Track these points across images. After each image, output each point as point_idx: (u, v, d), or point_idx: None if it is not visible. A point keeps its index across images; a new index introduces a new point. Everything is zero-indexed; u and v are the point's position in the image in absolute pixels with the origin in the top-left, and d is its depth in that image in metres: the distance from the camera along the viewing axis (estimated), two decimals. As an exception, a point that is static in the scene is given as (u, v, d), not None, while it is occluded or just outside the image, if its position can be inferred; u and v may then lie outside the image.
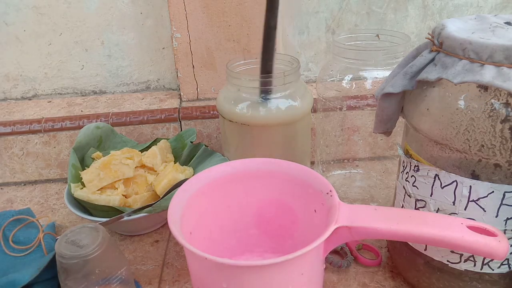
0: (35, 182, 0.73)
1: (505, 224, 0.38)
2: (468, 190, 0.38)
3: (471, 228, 0.35)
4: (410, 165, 0.43)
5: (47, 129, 0.69)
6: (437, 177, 0.40)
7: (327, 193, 0.40)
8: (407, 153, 0.44)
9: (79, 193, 0.56)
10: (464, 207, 0.39)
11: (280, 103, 0.53)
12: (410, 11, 0.75)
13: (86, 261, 0.40)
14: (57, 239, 0.45)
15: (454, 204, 0.39)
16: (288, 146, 0.56)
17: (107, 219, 0.51)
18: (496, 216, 0.38)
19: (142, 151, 0.63)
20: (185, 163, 0.63)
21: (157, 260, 0.54)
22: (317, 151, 0.67)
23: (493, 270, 0.40)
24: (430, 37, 0.39)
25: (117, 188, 0.57)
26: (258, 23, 0.67)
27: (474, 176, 0.37)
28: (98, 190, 0.56)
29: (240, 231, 0.48)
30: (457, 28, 0.38)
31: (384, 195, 0.64)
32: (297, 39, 0.76)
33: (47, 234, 0.55)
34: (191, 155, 0.63)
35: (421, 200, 0.42)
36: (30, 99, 0.78)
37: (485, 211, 0.38)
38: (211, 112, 0.69)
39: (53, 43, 0.74)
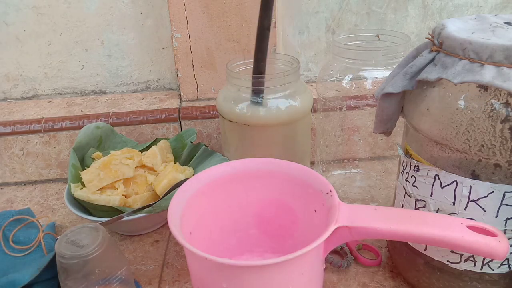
0: (35, 182, 0.73)
1: (505, 224, 0.38)
2: (468, 190, 0.38)
3: (471, 228, 0.35)
4: (410, 165, 0.43)
5: (47, 129, 0.69)
6: (437, 177, 0.40)
7: (327, 193, 0.40)
8: (407, 153, 0.44)
9: (79, 193, 0.56)
10: (464, 207, 0.39)
11: (280, 103, 0.53)
12: (410, 11, 0.75)
13: (86, 261, 0.40)
14: (57, 239, 0.45)
15: (454, 204, 0.39)
16: (288, 146, 0.56)
17: (107, 219, 0.51)
18: (496, 216, 0.38)
19: (142, 151, 0.63)
20: (185, 163, 0.63)
21: (157, 260, 0.54)
22: (317, 151, 0.67)
23: (493, 270, 0.40)
24: (430, 37, 0.39)
25: (117, 188, 0.57)
26: (258, 23, 0.67)
27: (474, 176, 0.37)
28: (98, 190, 0.56)
29: (240, 231, 0.48)
30: (457, 28, 0.38)
31: (384, 195, 0.64)
32: (297, 39, 0.76)
33: (47, 234, 0.55)
34: (191, 155, 0.63)
35: (421, 200, 0.42)
36: (30, 99, 0.78)
37: (485, 211, 0.38)
38: (211, 112, 0.69)
39: (53, 43, 0.74)
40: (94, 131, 0.63)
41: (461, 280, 0.41)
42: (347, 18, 0.75)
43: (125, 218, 0.52)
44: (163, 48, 0.76)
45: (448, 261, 0.41)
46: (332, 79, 0.58)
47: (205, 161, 0.61)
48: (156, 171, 0.60)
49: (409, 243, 0.45)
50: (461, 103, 0.36)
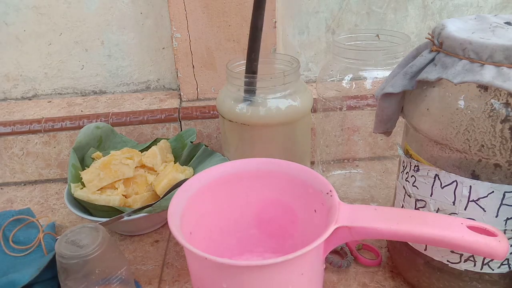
0: (35, 182, 0.73)
1: (505, 224, 0.38)
2: (468, 190, 0.38)
3: (471, 228, 0.35)
4: (410, 165, 0.43)
5: (47, 129, 0.69)
6: (437, 177, 0.40)
7: (327, 193, 0.40)
8: (407, 153, 0.44)
9: (79, 193, 0.56)
10: (464, 207, 0.39)
11: (280, 103, 0.53)
12: (410, 11, 0.75)
13: (86, 261, 0.40)
14: (57, 239, 0.45)
15: (454, 204, 0.39)
16: (288, 146, 0.56)
17: (107, 219, 0.51)
18: (496, 216, 0.38)
19: (142, 151, 0.63)
20: (185, 163, 0.63)
21: (157, 260, 0.54)
22: (317, 151, 0.67)
23: (493, 270, 0.40)
24: (430, 37, 0.39)
25: (117, 188, 0.57)
26: (258, 23, 0.67)
27: (474, 176, 0.37)
28: (98, 190, 0.56)
29: (240, 231, 0.48)
30: (457, 28, 0.38)
31: (384, 195, 0.64)
32: (297, 39, 0.76)
33: (47, 234, 0.55)
34: (191, 155, 0.63)
35: (421, 200, 0.42)
36: (30, 99, 0.78)
37: (485, 211, 0.38)
38: (211, 112, 0.69)
39: (53, 43, 0.74)
40: (94, 131, 0.63)
41: (461, 280, 0.41)
42: (347, 18, 0.75)
43: (125, 218, 0.52)
44: (163, 48, 0.76)
45: (448, 261, 0.41)
46: (332, 79, 0.58)
47: (205, 161, 0.61)
48: (156, 171, 0.60)
49: (409, 243, 0.45)
50: (461, 103, 0.36)
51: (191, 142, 0.63)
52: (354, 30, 0.75)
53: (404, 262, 0.47)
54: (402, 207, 0.46)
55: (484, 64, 0.34)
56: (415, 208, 0.43)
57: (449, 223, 0.36)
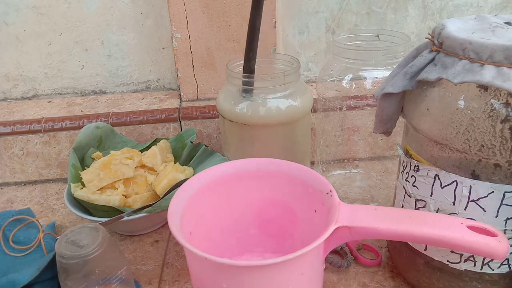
0: (35, 182, 0.73)
1: (505, 224, 0.38)
2: (468, 190, 0.38)
3: (471, 228, 0.35)
4: (410, 165, 0.43)
5: (47, 129, 0.69)
6: (437, 177, 0.40)
7: (327, 193, 0.40)
8: (407, 153, 0.44)
9: (79, 193, 0.56)
10: (464, 207, 0.39)
11: (280, 103, 0.53)
12: (410, 11, 0.75)
13: (86, 261, 0.40)
14: (57, 239, 0.45)
15: (454, 204, 0.39)
16: (288, 146, 0.56)
17: (107, 219, 0.51)
18: (496, 216, 0.38)
19: (142, 151, 0.63)
20: (185, 163, 0.63)
21: (157, 260, 0.54)
22: (317, 151, 0.67)
23: (493, 270, 0.40)
24: (430, 37, 0.39)
25: (117, 188, 0.57)
26: (258, 23, 0.67)
27: (474, 176, 0.37)
28: (98, 190, 0.56)
29: (240, 231, 0.48)
30: (457, 28, 0.38)
31: (384, 195, 0.64)
32: (297, 39, 0.76)
33: (47, 234, 0.55)
34: (191, 155, 0.63)
35: (421, 200, 0.42)
36: (30, 99, 0.78)
37: (485, 211, 0.38)
38: (211, 112, 0.69)
39: (53, 43, 0.74)
40: (94, 131, 0.63)
41: (461, 280, 0.41)
42: (347, 18, 0.75)
43: (125, 218, 0.52)
44: (163, 48, 0.76)
45: (448, 261, 0.41)
46: (332, 79, 0.58)
47: (205, 161, 0.61)
48: (156, 171, 0.60)
49: (409, 243, 0.45)
50: (461, 103, 0.36)
51: (191, 142, 0.63)
52: (354, 30, 0.75)
53: (404, 262, 0.47)
54: (402, 207, 0.46)
55: (484, 64, 0.34)
56: (415, 208, 0.43)
57: (449, 223, 0.36)
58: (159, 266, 0.53)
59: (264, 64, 0.59)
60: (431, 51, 0.39)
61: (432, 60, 0.39)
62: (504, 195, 0.37)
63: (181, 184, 0.44)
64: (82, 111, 0.72)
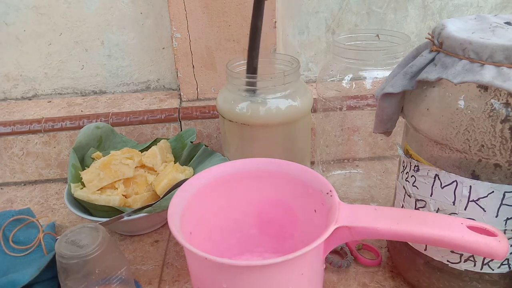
0: (35, 182, 0.73)
1: (505, 224, 0.38)
2: (468, 190, 0.38)
3: (471, 228, 0.35)
4: (410, 165, 0.43)
5: (47, 129, 0.69)
6: (437, 177, 0.40)
7: (327, 193, 0.40)
8: (407, 153, 0.44)
9: (79, 193, 0.56)
10: (464, 207, 0.39)
11: (280, 103, 0.53)
12: (410, 11, 0.75)
13: (86, 261, 0.40)
14: (57, 239, 0.45)
15: (454, 204, 0.39)
16: (288, 146, 0.56)
17: (107, 219, 0.51)
18: (496, 216, 0.38)
19: (142, 151, 0.63)
20: (185, 163, 0.63)
21: (157, 260, 0.54)
22: (317, 151, 0.67)
23: (493, 270, 0.40)
24: (430, 37, 0.39)
25: (117, 188, 0.57)
26: (258, 23, 0.67)
27: (474, 176, 0.37)
28: (98, 190, 0.56)
29: (240, 231, 0.48)
30: (457, 28, 0.38)
31: (384, 195, 0.64)
32: (297, 39, 0.76)
33: (47, 234, 0.55)
34: (191, 155, 0.63)
35: (421, 200, 0.42)
36: (30, 99, 0.78)
37: (485, 211, 0.38)
38: (211, 112, 0.69)
39: (53, 43, 0.74)
40: (94, 131, 0.63)
41: (461, 280, 0.41)
42: (347, 18, 0.75)
43: (125, 218, 0.52)
44: (163, 48, 0.76)
45: (448, 261, 0.41)
46: (332, 79, 0.58)
47: (205, 161, 0.61)
48: (156, 171, 0.60)
49: (409, 243, 0.45)
50: (461, 103, 0.36)
51: (191, 142, 0.63)
52: (354, 30, 0.75)
53: (404, 262, 0.47)
54: (402, 207, 0.46)
55: (484, 64, 0.34)
56: (415, 208, 0.43)
57: (449, 223, 0.36)
58: (159, 266, 0.53)
59: (264, 64, 0.59)
60: (431, 51, 0.39)
61: (432, 60, 0.39)
62: (504, 195, 0.37)
63: (181, 184, 0.44)
64: (82, 111, 0.72)
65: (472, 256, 0.40)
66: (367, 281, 0.49)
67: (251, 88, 0.53)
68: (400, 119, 0.46)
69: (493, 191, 0.37)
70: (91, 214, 0.55)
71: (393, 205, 0.50)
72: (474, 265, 0.40)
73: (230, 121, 0.55)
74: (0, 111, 0.74)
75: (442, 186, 0.39)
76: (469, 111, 0.35)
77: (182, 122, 0.70)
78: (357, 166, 0.71)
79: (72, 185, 0.57)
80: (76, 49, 0.75)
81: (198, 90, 0.72)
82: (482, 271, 0.40)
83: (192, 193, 0.43)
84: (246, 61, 0.54)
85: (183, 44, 0.68)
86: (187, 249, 0.35)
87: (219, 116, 0.58)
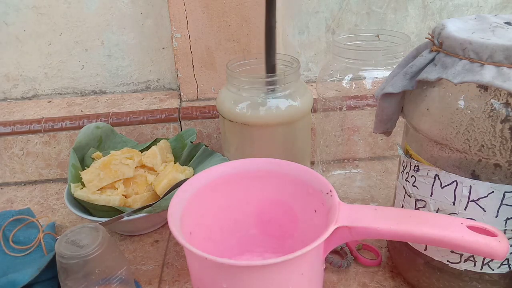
0: (35, 182, 0.73)
1: (505, 224, 0.38)
2: (468, 190, 0.38)
3: (471, 228, 0.35)
4: (410, 165, 0.43)
5: (47, 129, 0.69)
6: (437, 177, 0.40)
7: (327, 193, 0.40)
8: (407, 153, 0.44)
9: (79, 193, 0.56)
10: (464, 207, 0.39)
11: (280, 103, 0.53)
12: (410, 11, 0.75)
13: (86, 261, 0.40)
14: (57, 239, 0.45)
15: (454, 204, 0.39)
16: (288, 146, 0.56)
17: (107, 219, 0.51)
18: (496, 216, 0.38)
19: (142, 151, 0.63)
20: (185, 163, 0.63)
21: (157, 260, 0.54)
22: (317, 151, 0.67)
23: (493, 270, 0.40)
24: (430, 37, 0.39)
25: (117, 188, 0.57)
26: (258, 23, 0.67)
27: (474, 176, 0.37)
28: (98, 190, 0.56)
29: (240, 231, 0.48)
30: (457, 28, 0.38)
31: (384, 195, 0.64)
32: (297, 39, 0.76)
33: (47, 234, 0.55)
34: (191, 155, 0.63)
35: (421, 200, 0.42)
36: (30, 99, 0.78)
37: (485, 211, 0.38)
38: (211, 112, 0.69)
39: (53, 43, 0.74)
40: (94, 131, 0.63)
41: (461, 280, 0.41)
42: (347, 18, 0.75)
43: (125, 218, 0.52)
44: (163, 48, 0.76)
45: (448, 261, 0.41)
46: (332, 79, 0.58)
47: (205, 161, 0.61)
48: (156, 171, 0.60)
49: (409, 243, 0.45)
50: (461, 103, 0.36)
51: (191, 142, 0.63)
52: (354, 30, 0.75)
53: (404, 262, 0.47)
54: (402, 207, 0.46)
55: (484, 64, 0.34)
56: (415, 208, 0.43)
57: (449, 223, 0.36)
58: (159, 266, 0.53)
59: (264, 64, 0.59)
60: (431, 51, 0.39)
61: (432, 60, 0.39)
62: (504, 195, 0.37)
63: (181, 184, 0.44)
64: (82, 111, 0.72)
65: (472, 256, 0.40)
66: (367, 281, 0.49)
67: (271, 88, 0.53)
68: (400, 119, 0.46)
69: (493, 191, 0.37)
70: (91, 214, 0.55)
71: (393, 205, 0.50)
72: (474, 265, 0.40)
73: (230, 121, 0.55)
74: (0, 111, 0.74)
75: (442, 186, 0.39)
76: (469, 111, 0.35)
77: (182, 122, 0.70)
78: (357, 166, 0.71)
79: (72, 185, 0.57)
80: (76, 49, 0.75)
81: (198, 90, 0.72)
82: (482, 271, 0.40)
83: (192, 193, 0.43)
84: (248, 62, 0.55)
85: (183, 44, 0.68)
86: (187, 249, 0.35)
87: (219, 116, 0.58)
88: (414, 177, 0.42)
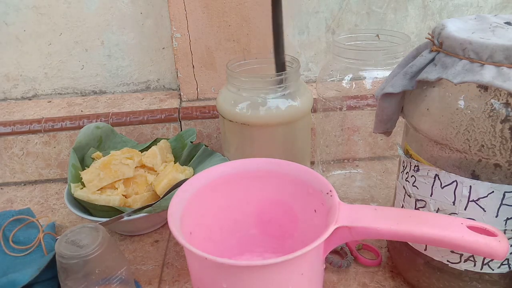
0: (35, 182, 0.73)
1: (505, 224, 0.38)
2: (468, 190, 0.38)
3: (471, 228, 0.35)
4: (410, 165, 0.43)
5: (47, 129, 0.69)
6: (437, 177, 0.40)
7: (327, 193, 0.40)
8: (407, 153, 0.44)
9: (79, 193, 0.56)
10: (464, 207, 0.39)
11: (280, 103, 0.53)
12: (410, 11, 0.75)
13: (86, 261, 0.40)
14: (57, 239, 0.45)
15: (454, 204, 0.39)
16: (288, 146, 0.56)
17: (107, 219, 0.51)
18: (496, 216, 0.38)
19: (142, 151, 0.63)
20: (185, 163, 0.63)
21: (157, 260, 0.54)
22: (317, 151, 0.67)
23: (493, 270, 0.40)
24: (430, 37, 0.39)
25: (117, 188, 0.57)
26: (258, 23, 0.67)
27: (474, 176, 0.37)
28: (98, 190, 0.56)
29: (240, 231, 0.48)
30: (457, 28, 0.38)
31: (384, 195, 0.64)
32: (297, 39, 0.76)
33: (47, 234, 0.55)
34: (191, 155, 0.63)
35: (421, 200, 0.42)
36: (30, 99, 0.78)
37: (485, 211, 0.38)
38: (211, 112, 0.69)
39: (53, 43, 0.74)
40: (94, 131, 0.63)
41: (461, 280, 0.41)
42: (347, 18, 0.75)
43: (125, 218, 0.52)
44: (163, 48, 0.76)
45: (448, 261, 0.41)
46: (332, 79, 0.58)
47: (205, 161, 0.61)
48: (156, 171, 0.60)
49: (409, 243, 0.45)
50: (461, 103, 0.36)
51: (191, 142, 0.63)
52: (354, 30, 0.75)
53: (404, 262, 0.47)
54: (402, 207, 0.46)
55: (484, 64, 0.34)
56: (415, 208, 0.43)
57: (449, 223, 0.36)
58: (159, 266, 0.53)
59: (264, 64, 0.59)
60: (431, 51, 0.39)
61: (432, 60, 0.39)
62: (504, 195, 0.37)
63: (181, 184, 0.44)
64: (82, 111, 0.72)
65: (472, 256, 0.40)
66: (367, 281, 0.49)
67: (281, 86, 0.53)
68: (400, 119, 0.46)
69: (493, 191, 0.37)
70: (91, 214, 0.55)
71: (393, 205, 0.50)
72: (474, 265, 0.40)
73: (230, 121, 0.55)
74: (0, 111, 0.74)
75: (442, 186, 0.39)
76: (469, 111, 0.35)
77: (182, 122, 0.70)
78: (357, 166, 0.71)
79: (72, 185, 0.57)
80: (76, 49, 0.75)
81: (198, 90, 0.72)
82: (482, 271, 0.40)
83: (192, 193, 0.43)
84: (248, 62, 0.55)
85: (183, 44, 0.68)
86: (187, 249, 0.35)
87: (219, 116, 0.58)
88: (414, 177, 0.42)
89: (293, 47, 0.77)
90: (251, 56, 0.59)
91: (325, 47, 0.77)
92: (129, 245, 0.57)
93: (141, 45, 0.75)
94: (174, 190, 0.50)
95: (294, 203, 0.46)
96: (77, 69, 0.76)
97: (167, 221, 0.38)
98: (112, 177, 0.56)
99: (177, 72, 0.71)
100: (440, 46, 0.38)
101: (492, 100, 0.34)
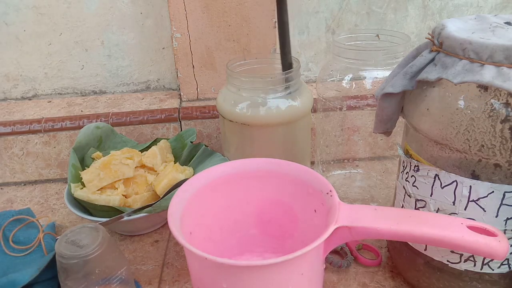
0: (35, 182, 0.73)
1: (505, 224, 0.38)
2: (468, 190, 0.38)
3: (471, 228, 0.35)
4: (410, 165, 0.43)
5: (47, 129, 0.69)
6: (437, 177, 0.40)
7: (327, 193, 0.40)
8: (407, 153, 0.44)
9: (79, 193, 0.56)
10: (464, 207, 0.39)
11: (280, 103, 0.53)
12: (410, 11, 0.75)
13: (86, 261, 0.40)
14: (57, 239, 0.45)
15: (454, 204, 0.39)
16: (288, 146, 0.56)
17: (107, 219, 0.51)
18: (496, 216, 0.38)
19: (142, 151, 0.63)
20: (185, 163, 0.63)
21: (157, 260, 0.54)
22: (317, 151, 0.67)
23: (493, 270, 0.40)
24: (430, 37, 0.39)
25: (117, 188, 0.57)
26: (258, 23, 0.67)
27: (474, 176, 0.37)
28: (98, 190, 0.56)
29: (240, 231, 0.48)
30: (457, 28, 0.38)
31: (384, 195, 0.64)
32: (297, 39, 0.76)
33: (47, 234, 0.55)
34: (191, 155, 0.63)
35: (421, 200, 0.42)
36: (30, 99, 0.78)
37: (485, 211, 0.38)
38: (211, 112, 0.69)
39: (53, 43, 0.74)
40: (94, 131, 0.63)
41: (461, 280, 0.41)
42: (347, 18, 0.75)
43: (125, 218, 0.52)
44: (163, 48, 0.76)
45: (448, 261, 0.41)
46: (332, 79, 0.58)
47: (205, 161, 0.61)
48: (156, 171, 0.60)
49: (409, 243, 0.45)
50: (461, 103, 0.36)
51: (191, 142, 0.63)
52: (354, 30, 0.75)
53: (404, 262, 0.47)
54: (402, 207, 0.46)
55: (484, 64, 0.34)
56: (415, 208, 0.43)
57: (449, 223, 0.36)
58: (159, 266, 0.53)
59: (264, 64, 0.59)
60: (431, 51, 0.39)
61: (432, 60, 0.39)
62: (504, 195, 0.37)
63: (181, 184, 0.44)
64: (82, 111, 0.72)
65: (472, 256, 0.40)
66: (367, 281, 0.49)
67: (287, 85, 0.53)
68: (400, 119, 0.46)
69: (493, 191, 0.37)
70: (91, 214, 0.55)
71: (393, 205, 0.50)
72: (474, 265, 0.40)
73: (230, 121, 0.55)
74: (0, 111, 0.74)
75: (442, 186, 0.39)
76: (469, 111, 0.36)
77: (182, 122, 0.70)
78: (357, 166, 0.71)
79: (72, 185, 0.57)
80: (76, 49, 0.75)
81: (198, 90, 0.72)
82: (482, 271, 0.40)
83: (192, 193, 0.43)
84: (248, 62, 0.54)
85: (183, 44, 0.68)
86: (187, 249, 0.35)
87: (219, 116, 0.58)
88: (414, 177, 0.42)
89: (293, 47, 0.76)
90: (251, 56, 0.59)
91: (325, 47, 0.77)
92: (129, 245, 0.57)
93: (141, 45, 0.75)
94: (174, 190, 0.50)
95: (294, 203, 0.46)
96: (77, 69, 0.76)
97: (167, 221, 0.38)
98: (112, 177, 0.56)
99: (177, 72, 0.71)
100: (440, 46, 0.38)
101: (492, 100, 0.34)
